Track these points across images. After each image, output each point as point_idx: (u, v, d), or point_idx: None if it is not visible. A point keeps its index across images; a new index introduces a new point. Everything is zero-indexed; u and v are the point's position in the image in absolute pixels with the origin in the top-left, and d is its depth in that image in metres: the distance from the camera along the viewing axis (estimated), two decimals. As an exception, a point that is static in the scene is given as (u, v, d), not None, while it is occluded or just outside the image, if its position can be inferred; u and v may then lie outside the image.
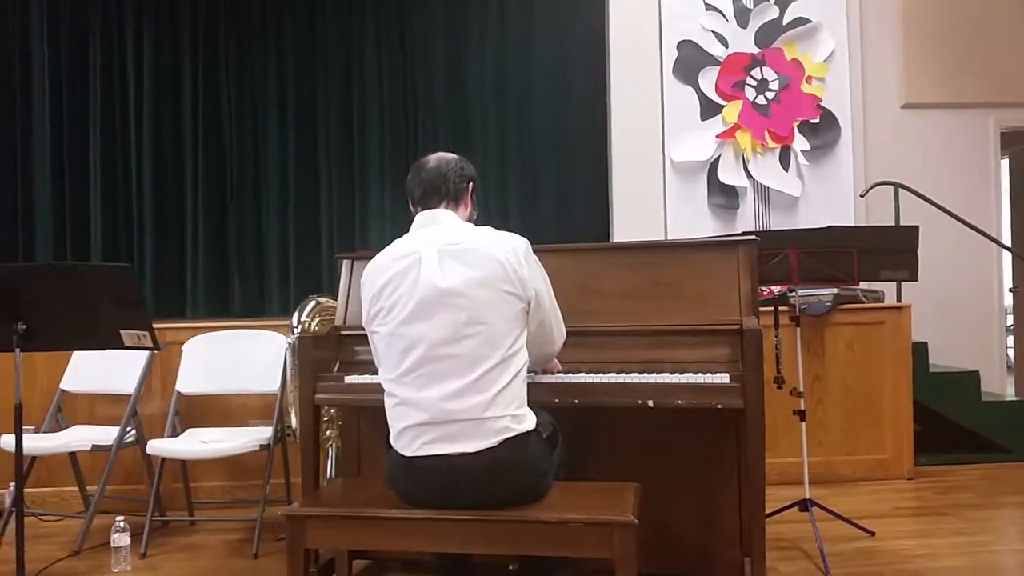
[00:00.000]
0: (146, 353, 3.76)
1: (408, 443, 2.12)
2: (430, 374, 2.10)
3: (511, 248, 2.18)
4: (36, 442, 3.55)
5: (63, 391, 3.87)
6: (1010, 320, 6.97)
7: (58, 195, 5.93)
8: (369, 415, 2.93)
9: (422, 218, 2.30)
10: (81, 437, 3.64)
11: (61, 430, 3.80)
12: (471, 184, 2.39)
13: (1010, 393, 6.35)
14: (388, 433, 2.21)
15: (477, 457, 2.06)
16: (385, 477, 2.23)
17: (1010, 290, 6.60)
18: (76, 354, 3.90)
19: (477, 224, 2.33)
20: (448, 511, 2.10)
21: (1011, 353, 7.15)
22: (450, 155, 2.40)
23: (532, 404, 2.20)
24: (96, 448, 3.56)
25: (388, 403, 2.20)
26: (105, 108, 5.97)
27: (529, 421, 2.15)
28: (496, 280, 2.12)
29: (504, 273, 2.13)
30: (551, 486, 2.22)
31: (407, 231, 2.31)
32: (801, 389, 3.35)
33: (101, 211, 5.93)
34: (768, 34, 5.88)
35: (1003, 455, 4.72)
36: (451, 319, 2.09)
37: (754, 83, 5.86)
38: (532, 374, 2.42)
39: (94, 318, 2.74)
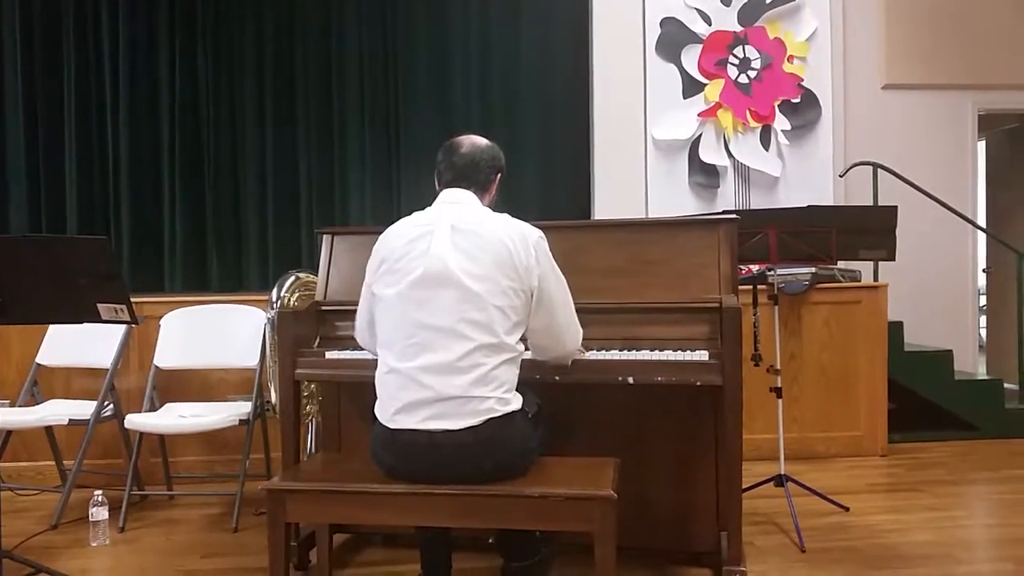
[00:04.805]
0: (123, 327, 3.73)
1: (392, 415, 2.13)
2: (420, 344, 2.10)
3: (520, 235, 2.18)
4: (12, 416, 3.53)
5: (39, 365, 3.83)
6: (983, 300, 7.07)
7: (32, 167, 5.83)
8: (350, 390, 2.93)
9: (446, 195, 2.31)
10: (58, 411, 3.61)
11: (37, 404, 3.77)
12: (499, 175, 2.40)
13: (981, 372, 6.46)
14: (371, 407, 2.21)
15: (460, 434, 2.06)
16: (370, 449, 2.24)
17: (984, 271, 6.69)
18: (52, 328, 3.86)
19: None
20: (429, 485, 2.11)
21: (983, 333, 7.26)
22: (482, 141, 2.38)
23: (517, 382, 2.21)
24: (73, 422, 3.54)
25: (379, 371, 2.20)
26: (79, 79, 5.86)
27: (516, 402, 2.16)
28: (500, 264, 2.12)
29: (508, 258, 2.13)
30: (534, 462, 2.23)
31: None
32: (778, 367, 3.38)
33: (76, 184, 5.85)
34: (751, 12, 5.87)
35: (974, 432, 4.80)
36: (450, 294, 2.10)
37: (736, 61, 5.86)
38: None
39: (70, 291, 2.70)
